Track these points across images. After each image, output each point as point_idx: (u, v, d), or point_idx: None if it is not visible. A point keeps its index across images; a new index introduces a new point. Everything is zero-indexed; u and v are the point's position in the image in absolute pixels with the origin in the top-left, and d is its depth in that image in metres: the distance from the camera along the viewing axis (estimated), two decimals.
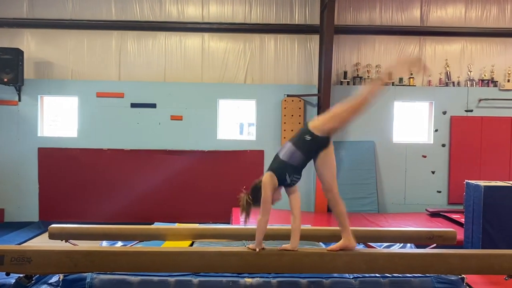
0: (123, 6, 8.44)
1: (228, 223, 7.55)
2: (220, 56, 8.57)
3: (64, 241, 4.20)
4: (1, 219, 8.22)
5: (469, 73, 8.61)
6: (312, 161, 3.28)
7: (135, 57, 8.51)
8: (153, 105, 8.37)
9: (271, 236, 4.28)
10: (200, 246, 4.19)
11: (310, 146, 3.21)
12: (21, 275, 3.26)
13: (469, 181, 5.75)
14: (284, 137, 8.34)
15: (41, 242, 7.02)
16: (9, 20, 8.29)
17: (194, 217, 7.98)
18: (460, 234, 5.45)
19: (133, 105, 8.35)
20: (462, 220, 6.29)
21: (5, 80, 7.83)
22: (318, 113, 8.34)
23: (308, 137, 3.21)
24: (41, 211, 8.27)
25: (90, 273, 3.66)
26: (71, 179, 8.24)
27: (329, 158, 3.27)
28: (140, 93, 8.36)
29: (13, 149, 8.25)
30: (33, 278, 3.41)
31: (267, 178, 3.26)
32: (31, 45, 8.43)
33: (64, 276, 3.64)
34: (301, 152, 3.22)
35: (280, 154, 3.30)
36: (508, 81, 8.53)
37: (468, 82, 8.60)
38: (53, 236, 4.19)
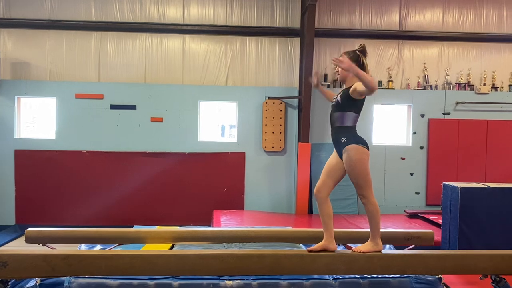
0: (103, 7, 8.35)
1: (209, 225, 7.53)
2: (201, 58, 8.55)
3: (41, 245, 4.13)
4: None
5: (446, 76, 8.78)
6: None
7: (115, 58, 8.42)
8: (133, 107, 8.30)
9: (252, 238, 4.29)
10: (181, 249, 4.17)
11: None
12: None
13: (446, 182, 5.85)
14: (265, 139, 8.37)
15: (18, 246, 6.90)
16: None
17: (175, 219, 7.93)
18: (437, 235, 5.56)
19: (113, 107, 8.26)
20: (440, 221, 6.40)
21: None
22: (299, 115, 8.40)
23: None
24: (17, 215, 8.10)
25: (68, 277, 3.61)
26: (49, 181, 8.10)
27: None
28: (120, 94, 8.28)
29: None
30: (9, 283, 3.34)
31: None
32: (8, 45, 8.27)
33: (41, 280, 3.58)
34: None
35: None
36: (484, 84, 8.73)
37: (446, 86, 8.77)
38: (30, 239, 4.12)
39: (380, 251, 3.33)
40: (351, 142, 3.32)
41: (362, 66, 3.41)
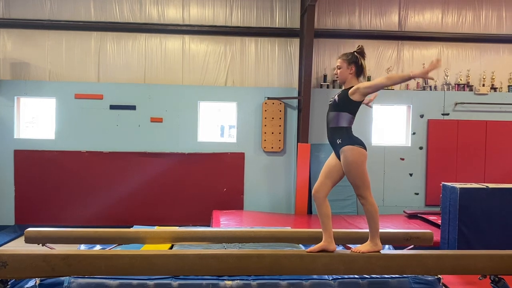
0: (102, 7, 8.35)
1: (208, 225, 7.53)
2: (200, 58, 8.55)
3: (40, 245, 4.13)
4: None
5: (445, 77, 8.79)
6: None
7: (115, 59, 8.43)
8: (132, 107, 8.30)
9: (252, 238, 4.29)
10: (180, 249, 4.17)
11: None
12: None
13: (446, 183, 5.86)
14: (265, 140, 8.37)
15: (17, 246, 6.90)
16: None
17: (174, 220, 7.93)
18: (436, 235, 5.57)
19: (112, 107, 8.26)
20: (439, 222, 6.41)
21: None
22: (299, 116, 8.40)
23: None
24: (17, 215, 8.10)
25: (67, 277, 3.61)
26: (49, 182, 8.10)
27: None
28: (119, 94, 8.28)
29: None
30: (9, 283, 3.34)
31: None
32: (8, 45, 8.27)
33: (41, 280, 3.58)
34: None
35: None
36: (483, 85, 8.73)
37: (445, 86, 8.78)
38: (29, 239, 4.12)
39: (379, 251, 3.34)
40: (347, 143, 3.33)
41: (361, 68, 3.43)
